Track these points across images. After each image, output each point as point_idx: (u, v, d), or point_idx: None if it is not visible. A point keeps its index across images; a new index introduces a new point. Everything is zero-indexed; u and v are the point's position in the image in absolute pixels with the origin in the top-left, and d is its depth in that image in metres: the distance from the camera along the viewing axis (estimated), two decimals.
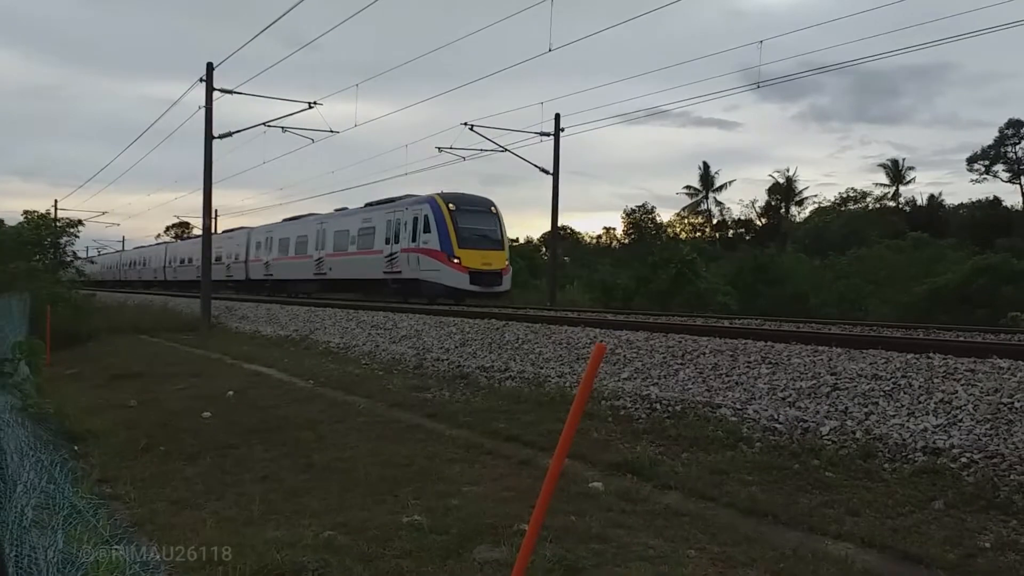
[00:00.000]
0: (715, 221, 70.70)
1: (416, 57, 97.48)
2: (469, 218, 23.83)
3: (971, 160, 58.41)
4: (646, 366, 9.95)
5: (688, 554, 4.46)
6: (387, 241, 25.76)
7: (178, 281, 47.45)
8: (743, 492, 5.71)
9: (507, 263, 24.29)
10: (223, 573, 4.06)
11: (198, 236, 46.04)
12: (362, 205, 29.22)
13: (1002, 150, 56.90)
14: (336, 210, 31.64)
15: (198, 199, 25.08)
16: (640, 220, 70.08)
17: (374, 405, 9.68)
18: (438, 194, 24.42)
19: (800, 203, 67.28)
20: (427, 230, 23.66)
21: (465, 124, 26.93)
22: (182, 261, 48.03)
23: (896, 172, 63.56)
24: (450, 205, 23.62)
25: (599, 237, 75.66)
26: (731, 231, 69.70)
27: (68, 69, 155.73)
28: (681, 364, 9.71)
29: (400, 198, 26.42)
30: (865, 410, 7.16)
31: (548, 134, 28.18)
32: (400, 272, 24.82)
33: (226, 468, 6.54)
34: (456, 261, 22.80)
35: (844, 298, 28.74)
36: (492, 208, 24.84)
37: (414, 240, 24.17)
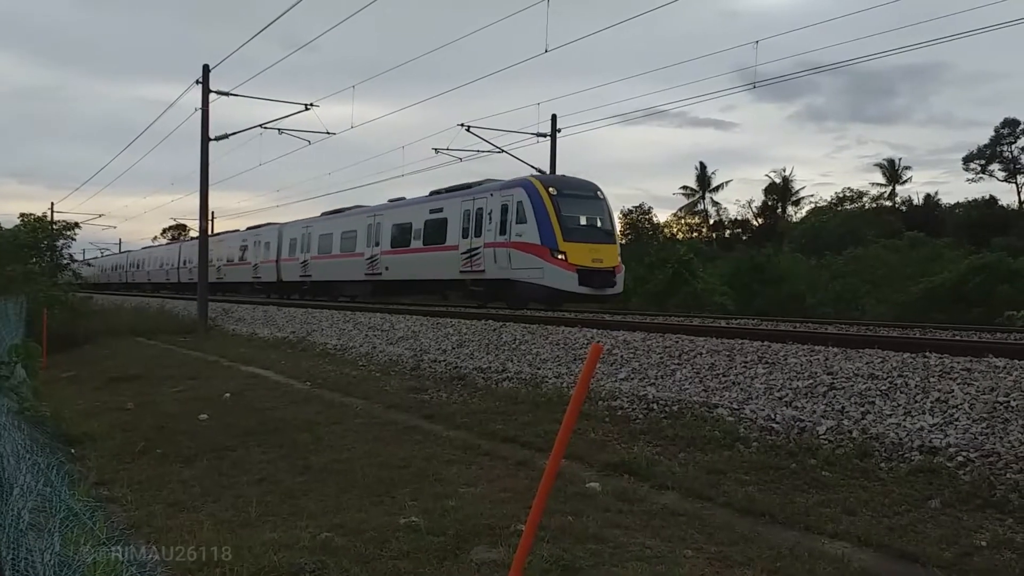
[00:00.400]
0: (712, 221, 70.87)
1: (413, 58, 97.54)
2: (574, 205, 19.94)
3: (967, 159, 58.67)
4: (643, 366, 9.96)
5: (685, 554, 4.46)
6: (464, 234, 21.70)
7: (194, 283, 42.97)
8: (740, 492, 5.72)
9: (619, 260, 20.33)
10: (220, 574, 4.06)
11: (215, 235, 43.84)
12: (427, 193, 25.27)
13: (998, 149, 57.06)
14: (391, 200, 27.59)
15: (195, 201, 25.29)
16: (637, 220, 70.13)
17: (371, 407, 9.68)
18: (534, 176, 20.72)
19: (797, 203, 67.49)
20: (522, 220, 19.66)
21: (462, 125, 26.82)
22: None
23: (892, 172, 63.73)
24: (550, 189, 19.75)
25: None
26: (728, 231, 69.83)
27: (64, 71, 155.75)
28: (678, 364, 9.72)
29: (479, 183, 22.74)
30: (862, 409, 7.17)
31: (545, 135, 28.20)
32: (483, 271, 20.87)
33: (223, 470, 6.54)
34: (560, 258, 18.93)
35: (841, 298, 28.79)
36: (599, 192, 20.95)
37: (503, 232, 20.16)
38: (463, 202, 22.22)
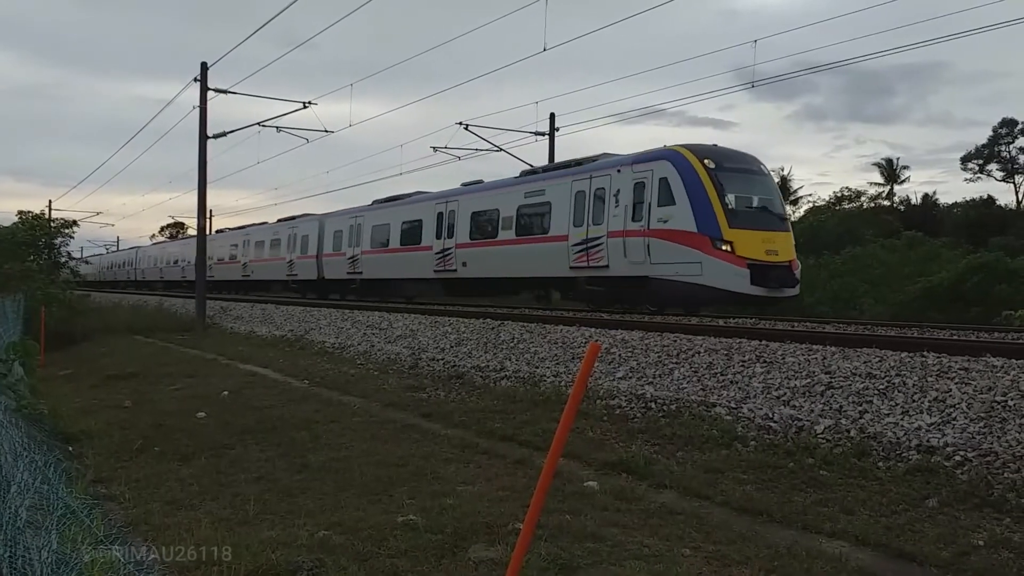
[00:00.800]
0: None
1: (411, 57, 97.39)
2: (738, 181, 15.69)
3: (965, 159, 58.69)
4: (641, 365, 9.96)
5: (683, 553, 4.47)
6: (577, 222, 17.66)
7: (214, 281, 37.61)
8: (738, 491, 5.72)
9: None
10: (218, 573, 4.05)
11: (239, 227, 41.88)
12: (517, 175, 21.56)
13: (996, 149, 57.08)
14: (466, 184, 23.42)
15: (192, 199, 25.17)
16: None
17: (369, 405, 9.68)
18: (682, 146, 16.18)
19: (795, 202, 67.27)
20: (667, 201, 15.54)
21: (460, 124, 26.85)
22: (220, 259, 39.69)
23: (891, 171, 63.69)
24: (706, 161, 15.52)
25: None
26: None
27: (63, 70, 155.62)
28: (676, 363, 9.72)
29: (592, 159, 18.65)
30: (859, 408, 7.18)
31: (543, 133, 28.18)
32: (605, 267, 16.85)
33: (221, 468, 6.53)
34: (725, 249, 14.78)
35: (838, 297, 28.77)
36: (763, 167, 16.80)
37: (637, 218, 16.06)
38: (574, 182, 18.00)
